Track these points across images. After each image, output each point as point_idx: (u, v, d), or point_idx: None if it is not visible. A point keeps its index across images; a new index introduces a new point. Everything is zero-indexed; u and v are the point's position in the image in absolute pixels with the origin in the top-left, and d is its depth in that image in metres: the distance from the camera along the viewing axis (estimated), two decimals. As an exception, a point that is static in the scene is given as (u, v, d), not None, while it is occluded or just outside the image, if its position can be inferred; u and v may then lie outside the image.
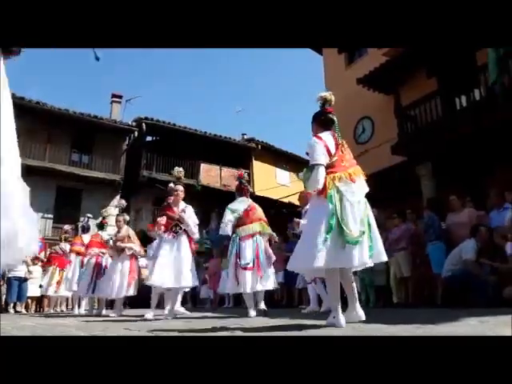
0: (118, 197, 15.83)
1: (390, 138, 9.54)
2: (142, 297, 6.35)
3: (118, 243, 6.03)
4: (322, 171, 2.77)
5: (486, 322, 2.63)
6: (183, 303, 6.71)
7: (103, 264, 6.67)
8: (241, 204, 4.96)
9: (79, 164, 16.78)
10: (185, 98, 72.24)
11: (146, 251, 6.74)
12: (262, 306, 4.88)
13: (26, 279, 9.97)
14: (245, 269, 4.60)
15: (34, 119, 14.24)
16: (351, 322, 2.75)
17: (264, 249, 4.89)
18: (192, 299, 11.09)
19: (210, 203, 15.38)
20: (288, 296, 8.78)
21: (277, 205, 16.39)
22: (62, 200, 15.63)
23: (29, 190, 1.45)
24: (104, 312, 5.95)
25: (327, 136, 2.93)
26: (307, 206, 5.32)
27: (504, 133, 7.16)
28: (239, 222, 4.81)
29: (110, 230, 7.05)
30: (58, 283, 8.76)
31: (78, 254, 7.81)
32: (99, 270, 6.65)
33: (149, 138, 18.15)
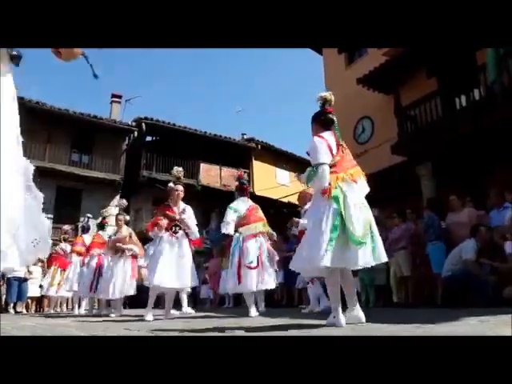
0: (117, 197, 15.83)
1: (390, 137, 9.54)
2: (142, 297, 6.35)
3: (119, 244, 6.03)
4: (327, 170, 2.78)
5: (485, 322, 2.63)
6: (178, 303, 6.72)
7: (105, 264, 6.67)
8: (242, 204, 4.98)
9: (79, 164, 16.78)
10: (185, 98, 72.27)
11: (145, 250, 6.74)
12: (262, 307, 4.90)
13: (25, 279, 9.98)
14: (249, 268, 4.62)
15: (33, 119, 14.22)
16: (351, 323, 2.75)
17: (267, 249, 4.95)
18: (192, 299, 11.08)
19: (209, 203, 15.37)
20: (288, 296, 8.78)
21: (277, 204, 16.40)
22: (62, 200, 15.62)
23: (42, 196, 1.45)
24: (105, 312, 5.94)
25: (329, 136, 2.94)
26: (306, 206, 5.34)
27: (504, 132, 7.16)
28: (241, 222, 4.83)
29: (110, 230, 7.03)
30: (59, 284, 8.76)
31: (79, 254, 7.81)
32: (101, 270, 6.64)
33: (149, 138, 18.15)
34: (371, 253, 2.70)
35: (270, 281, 4.87)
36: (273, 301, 8.27)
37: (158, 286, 4.48)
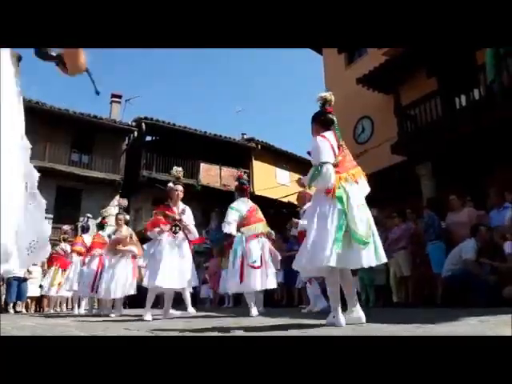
0: (117, 197, 15.86)
1: (390, 137, 9.54)
2: (142, 297, 6.34)
3: (119, 246, 6.03)
4: (331, 169, 2.78)
5: (485, 322, 2.63)
6: (181, 303, 6.72)
7: (106, 264, 6.66)
8: (243, 204, 4.99)
9: (79, 164, 16.78)
10: (185, 98, 72.26)
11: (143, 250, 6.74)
12: (261, 307, 4.92)
13: (25, 279, 9.98)
14: (253, 267, 4.64)
15: (33, 119, 14.22)
16: (351, 324, 2.74)
17: (268, 249, 5.00)
18: (192, 299, 11.07)
19: (209, 203, 15.38)
20: (288, 296, 8.77)
21: (276, 204, 16.40)
22: (62, 200, 15.61)
23: (45, 203, 1.45)
24: (105, 312, 5.94)
25: (330, 136, 2.95)
26: (305, 206, 5.36)
27: (503, 132, 7.16)
28: (242, 222, 4.84)
29: (110, 230, 7.02)
30: (60, 284, 8.76)
31: (79, 254, 7.81)
32: (102, 270, 6.63)
33: (148, 138, 18.14)
34: (374, 253, 2.71)
35: (273, 280, 4.91)
36: (273, 301, 8.26)
37: (160, 286, 4.49)
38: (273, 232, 5.22)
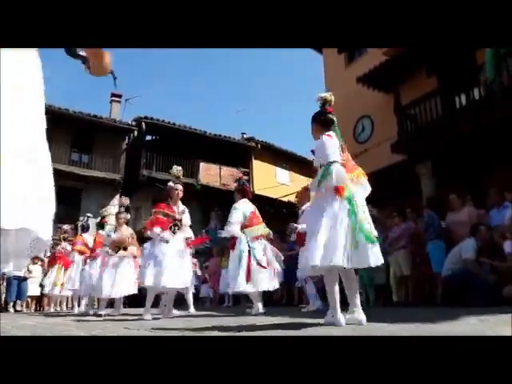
0: (117, 196, 15.84)
1: (390, 136, 9.54)
2: (142, 296, 6.34)
3: (121, 252, 6.02)
4: (340, 167, 2.80)
5: (485, 321, 2.63)
6: (182, 303, 6.72)
7: (108, 264, 6.63)
8: (247, 205, 4.99)
9: (79, 163, 16.77)
10: (185, 98, 72.24)
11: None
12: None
13: (25, 278, 9.98)
14: (261, 266, 4.68)
15: (33, 118, 14.18)
16: (351, 323, 2.74)
17: (270, 249, 5.07)
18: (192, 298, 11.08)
19: (209, 202, 15.39)
20: (288, 295, 8.78)
21: (276, 204, 16.42)
22: (62, 199, 15.58)
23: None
24: (103, 312, 5.92)
25: (334, 136, 2.96)
26: (304, 206, 5.37)
27: (503, 131, 7.16)
28: (245, 223, 4.85)
29: (109, 229, 6.99)
30: (62, 284, 8.75)
31: (80, 253, 7.80)
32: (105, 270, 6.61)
33: (148, 138, 18.13)
34: (379, 252, 2.75)
35: (276, 280, 5.01)
36: (273, 300, 8.27)
37: (166, 287, 4.51)
38: (270, 232, 5.24)
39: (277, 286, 5.07)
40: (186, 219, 4.89)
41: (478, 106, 7.77)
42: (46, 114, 1.43)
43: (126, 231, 6.24)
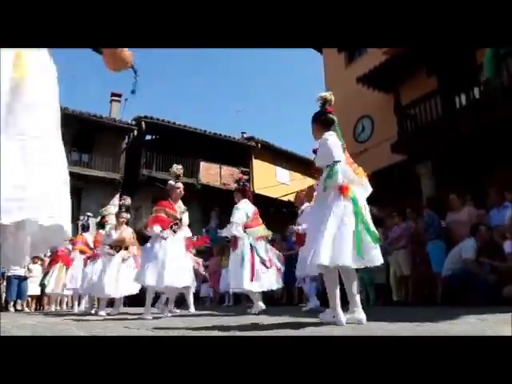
0: (117, 195, 15.83)
1: (390, 136, 9.54)
2: (142, 295, 6.34)
3: (123, 253, 6.02)
4: (345, 166, 2.83)
5: (485, 321, 2.64)
6: (182, 303, 6.73)
7: (110, 263, 6.62)
8: (248, 206, 5.00)
9: (79, 163, 16.74)
10: (185, 97, 72.23)
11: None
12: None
13: (25, 278, 9.98)
14: (265, 266, 4.73)
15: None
16: (351, 323, 2.75)
17: (270, 250, 5.11)
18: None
19: (209, 202, 15.39)
20: (288, 294, 8.78)
21: (276, 203, 16.40)
22: (62, 199, 15.56)
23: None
24: (103, 312, 5.92)
25: (335, 136, 2.97)
26: (303, 206, 5.39)
27: (503, 132, 7.16)
28: (247, 224, 4.86)
29: (108, 228, 6.98)
30: (65, 284, 8.74)
31: (81, 252, 7.80)
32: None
33: (148, 137, 18.12)
34: (379, 252, 2.77)
35: (280, 279, 5.08)
36: (273, 299, 8.27)
37: (169, 286, 4.53)
38: (270, 232, 5.26)
39: (281, 284, 5.15)
40: (186, 219, 4.91)
41: (478, 106, 7.76)
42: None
43: (127, 231, 6.24)
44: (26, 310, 10.27)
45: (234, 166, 16.34)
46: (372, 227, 2.75)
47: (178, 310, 5.97)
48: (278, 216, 13.18)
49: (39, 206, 1.21)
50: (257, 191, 16.31)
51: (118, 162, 17.11)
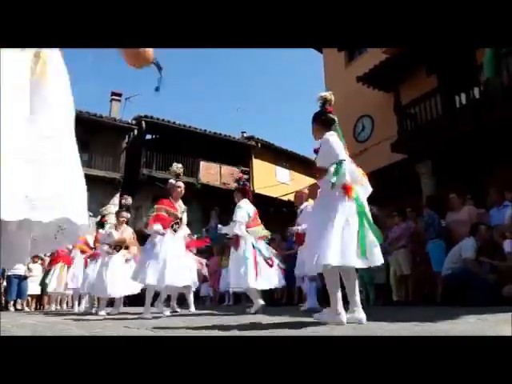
0: (117, 195, 15.83)
1: (390, 135, 9.54)
2: (143, 295, 6.35)
3: (125, 253, 6.02)
4: (351, 165, 2.87)
5: (485, 320, 2.64)
6: (182, 302, 6.73)
7: (110, 263, 6.62)
8: (249, 205, 5.01)
9: (79, 162, 16.74)
10: (185, 97, 72.19)
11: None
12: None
13: (25, 277, 9.98)
14: (268, 264, 4.80)
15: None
16: (351, 322, 2.75)
17: (270, 250, 5.16)
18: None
19: (209, 201, 15.39)
20: (288, 294, 8.78)
21: (276, 203, 16.41)
22: (62, 198, 15.55)
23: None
24: (103, 312, 5.92)
25: (336, 135, 2.98)
26: (302, 206, 5.40)
27: (503, 131, 7.16)
28: (248, 223, 4.87)
29: (107, 227, 6.98)
30: (66, 283, 8.75)
31: (82, 251, 7.80)
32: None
33: (148, 136, 18.11)
34: (380, 252, 2.78)
35: (283, 278, 5.21)
36: (273, 299, 8.27)
37: (171, 285, 4.54)
38: (268, 232, 5.28)
39: (284, 283, 5.30)
40: (185, 217, 4.95)
41: (478, 106, 7.76)
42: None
43: (127, 231, 6.24)
44: (26, 309, 10.27)
45: (234, 165, 16.32)
46: (376, 228, 2.78)
47: (178, 310, 5.97)
48: (278, 216, 13.20)
49: (52, 205, 1.23)
50: (257, 191, 16.32)
51: (118, 162, 17.10)
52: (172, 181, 4.99)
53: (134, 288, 5.92)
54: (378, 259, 2.74)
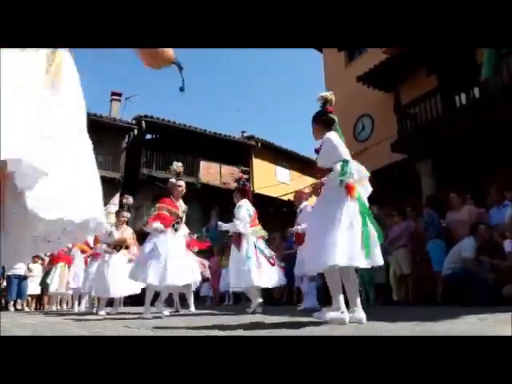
0: (117, 195, 15.82)
1: (390, 135, 9.54)
2: (143, 295, 6.34)
3: (127, 254, 6.02)
4: (357, 164, 2.87)
5: (485, 320, 2.64)
6: (182, 302, 6.73)
7: (111, 262, 6.62)
8: (250, 205, 5.01)
9: (79, 162, 16.74)
10: (185, 97, 72.14)
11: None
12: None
13: (25, 277, 9.98)
14: (270, 263, 4.85)
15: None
16: (352, 322, 2.75)
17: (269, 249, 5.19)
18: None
19: (209, 201, 15.38)
20: (288, 294, 8.78)
21: (276, 202, 16.41)
22: (62, 198, 15.54)
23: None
24: (103, 312, 5.92)
25: (337, 135, 2.99)
26: (302, 205, 5.40)
27: (503, 131, 7.16)
28: (249, 222, 4.88)
29: (107, 227, 6.96)
30: (68, 282, 8.74)
31: (82, 251, 7.80)
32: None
33: (148, 136, 18.10)
34: (379, 252, 2.79)
35: (283, 277, 5.29)
36: (272, 299, 8.27)
37: (172, 284, 4.55)
38: (266, 232, 5.30)
39: (284, 281, 5.37)
40: (184, 217, 4.97)
41: (478, 105, 7.76)
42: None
43: (127, 231, 6.24)
44: (26, 309, 10.27)
45: (234, 165, 16.30)
46: (378, 228, 2.79)
47: (180, 309, 5.97)
48: (278, 215, 13.20)
49: (51, 205, 1.23)
50: (257, 190, 16.32)
51: (118, 161, 17.10)
52: (173, 180, 4.98)
53: (135, 288, 5.92)
54: (378, 259, 2.75)
